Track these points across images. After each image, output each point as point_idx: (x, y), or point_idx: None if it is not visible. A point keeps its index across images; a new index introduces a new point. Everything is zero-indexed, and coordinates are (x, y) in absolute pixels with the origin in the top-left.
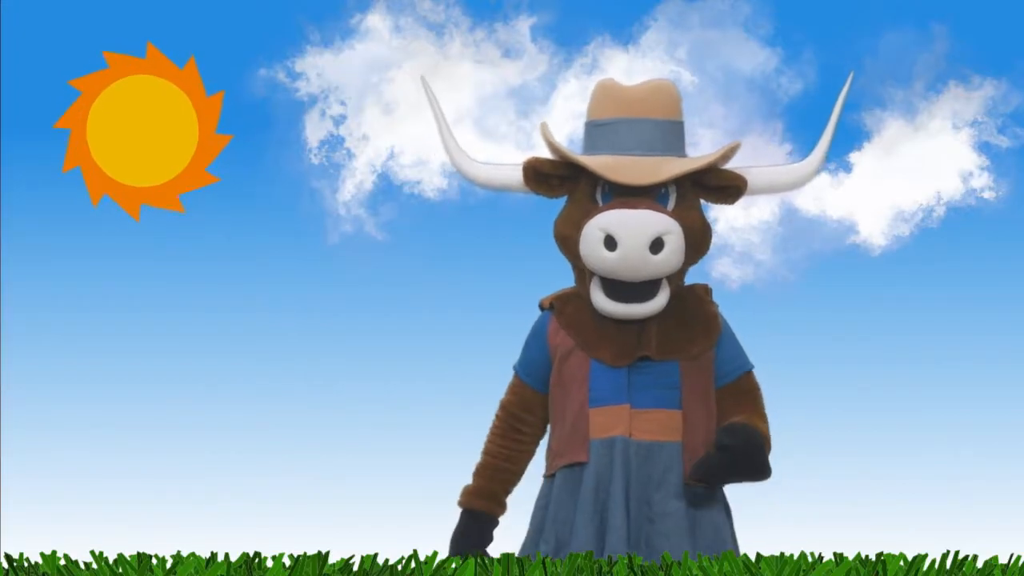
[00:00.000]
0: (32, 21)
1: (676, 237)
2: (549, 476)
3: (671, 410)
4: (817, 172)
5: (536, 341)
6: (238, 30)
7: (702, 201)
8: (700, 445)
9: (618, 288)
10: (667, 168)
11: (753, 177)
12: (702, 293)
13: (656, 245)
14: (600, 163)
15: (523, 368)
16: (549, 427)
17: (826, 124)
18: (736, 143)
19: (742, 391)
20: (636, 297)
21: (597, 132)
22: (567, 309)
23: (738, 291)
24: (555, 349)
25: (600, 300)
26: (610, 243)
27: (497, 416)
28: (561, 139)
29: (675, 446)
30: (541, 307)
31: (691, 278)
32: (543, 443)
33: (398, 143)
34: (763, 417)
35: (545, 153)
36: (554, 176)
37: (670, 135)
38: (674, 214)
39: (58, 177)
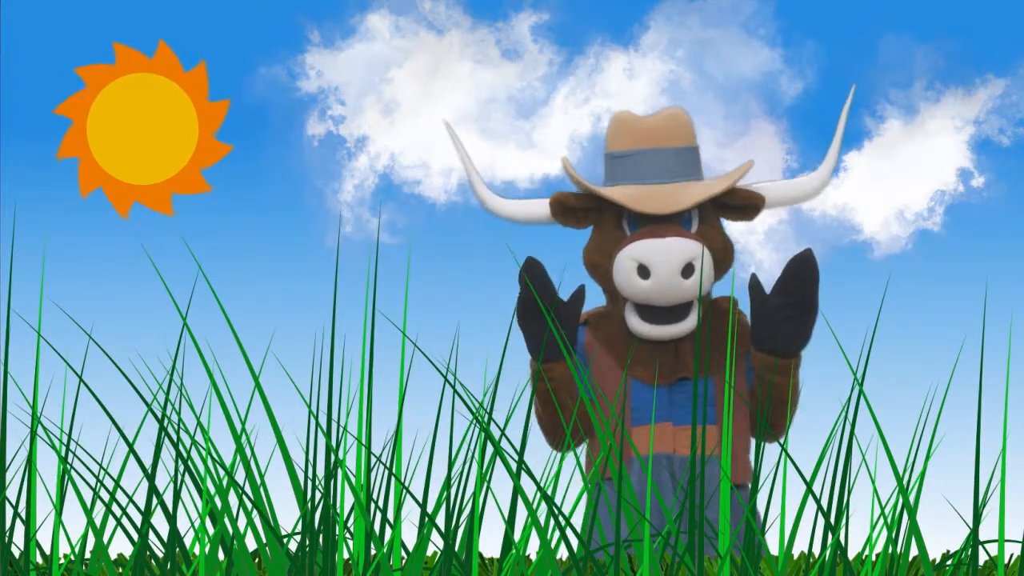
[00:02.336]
0: (33, 17)
1: (705, 260)
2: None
3: (710, 425)
4: (827, 183)
5: (575, 349)
6: (238, 29)
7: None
8: (738, 458)
9: (652, 311)
10: (688, 194)
11: (769, 193)
12: (726, 307)
13: (687, 270)
14: (624, 194)
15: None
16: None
17: (833, 135)
18: (750, 162)
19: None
20: (670, 319)
21: (617, 163)
22: (603, 325)
23: (739, 291)
24: (591, 361)
25: (636, 323)
26: (643, 272)
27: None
28: (565, 144)
29: (716, 460)
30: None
31: None
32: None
33: (398, 143)
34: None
35: (552, 157)
36: (580, 209)
37: (687, 161)
38: (698, 237)
39: (57, 177)
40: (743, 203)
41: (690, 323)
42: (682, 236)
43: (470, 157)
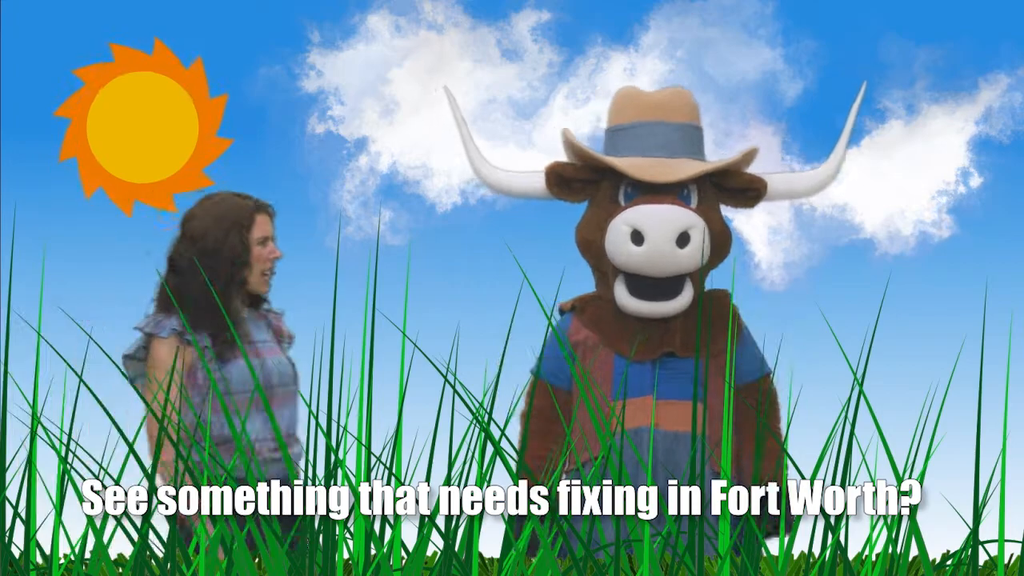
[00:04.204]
0: (34, 16)
1: (701, 232)
2: (572, 469)
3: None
4: (832, 179)
5: (557, 342)
6: (239, 30)
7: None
8: (720, 436)
9: (643, 286)
10: (689, 167)
11: (772, 182)
12: (722, 296)
13: (682, 239)
14: (625, 163)
15: (548, 371)
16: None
17: (840, 132)
18: (755, 147)
19: (762, 393)
20: (661, 295)
21: (618, 136)
22: (588, 308)
23: (739, 291)
24: (577, 346)
25: (624, 299)
26: (637, 238)
27: (531, 423)
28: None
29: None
30: (561, 310)
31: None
32: None
33: (398, 143)
34: (778, 428)
35: (552, 157)
36: (576, 180)
37: (690, 138)
38: (697, 211)
39: (57, 177)
40: (744, 186)
41: (681, 302)
42: (679, 206)
43: (467, 124)
